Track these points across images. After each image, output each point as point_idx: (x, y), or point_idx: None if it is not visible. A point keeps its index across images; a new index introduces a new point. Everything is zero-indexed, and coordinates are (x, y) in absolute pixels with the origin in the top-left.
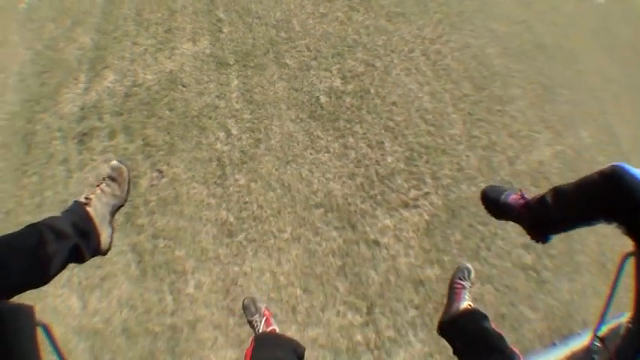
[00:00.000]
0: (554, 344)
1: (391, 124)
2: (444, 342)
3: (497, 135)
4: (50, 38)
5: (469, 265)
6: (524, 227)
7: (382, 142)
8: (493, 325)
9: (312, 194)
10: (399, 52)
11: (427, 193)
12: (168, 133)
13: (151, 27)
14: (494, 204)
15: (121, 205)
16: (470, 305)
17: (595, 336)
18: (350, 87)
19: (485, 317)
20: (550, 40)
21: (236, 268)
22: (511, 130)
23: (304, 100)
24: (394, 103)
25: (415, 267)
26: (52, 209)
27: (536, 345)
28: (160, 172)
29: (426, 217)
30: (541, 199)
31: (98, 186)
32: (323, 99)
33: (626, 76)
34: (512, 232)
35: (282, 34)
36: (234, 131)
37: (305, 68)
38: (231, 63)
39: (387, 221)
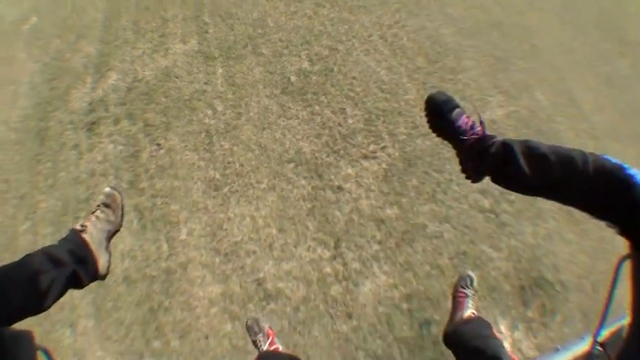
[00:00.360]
0: (556, 349)
1: (352, 94)
2: (408, 274)
3: None
4: (57, 51)
5: (471, 273)
6: (461, 157)
7: (344, 109)
8: (495, 333)
9: (284, 152)
10: (359, 38)
11: (384, 147)
12: (165, 114)
13: (147, 34)
14: (441, 117)
15: (117, 230)
16: (473, 313)
17: (595, 341)
18: (316, 67)
19: (487, 325)
20: (507, 19)
21: (221, 215)
22: (464, 94)
23: (277, 80)
24: (354, 78)
25: (376, 208)
26: (64, 187)
27: (503, 284)
28: (159, 145)
29: (384, 167)
30: (508, 147)
31: (93, 213)
32: (293, 78)
33: (587, 49)
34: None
35: (259, 30)
36: (220, 108)
37: (278, 55)
38: (216, 56)
39: (349, 170)
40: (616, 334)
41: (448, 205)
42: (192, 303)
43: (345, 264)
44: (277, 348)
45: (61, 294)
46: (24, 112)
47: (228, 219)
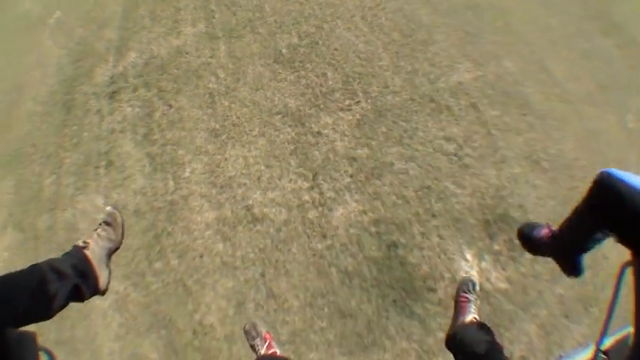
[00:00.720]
0: (559, 357)
1: (333, 62)
2: (376, 202)
3: (420, 64)
4: (81, 38)
5: (474, 278)
6: (558, 263)
7: (325, 73)
8: (497, 339)
9: (273, 107)
10: (342, 18)
11: (358, 102)
12: (176, 82)
13: (162, 20)
14: (527, 240)
15: (117, 248)
16: (475, 318)
17: (598, 349)
18: (304, 42)
19: (487, 330)
20: (484, 1)
21: (219, 157)
22: (433, 61)
23: (271, 52)
24: (336, 49)
25: (349, 148)
26: (87, 144)
27: (468, 217)
28: (170, 105)
29: (358, 117)
30: (558, 231)
31: (95, 231)
32: (284, 51)
33: (567, 27)
34: (433, 128)
35: (257, 14)
36: (222, 75)
37: (272, 34)
38: (220, 36)
39: (328, 119)
40: (621, 342)
41: (414, 148)
42: (190, 227)
43: (321, 193)
44: (275, 352)
45: (63, 306)
46: (51, 89)
47: (225, 159)
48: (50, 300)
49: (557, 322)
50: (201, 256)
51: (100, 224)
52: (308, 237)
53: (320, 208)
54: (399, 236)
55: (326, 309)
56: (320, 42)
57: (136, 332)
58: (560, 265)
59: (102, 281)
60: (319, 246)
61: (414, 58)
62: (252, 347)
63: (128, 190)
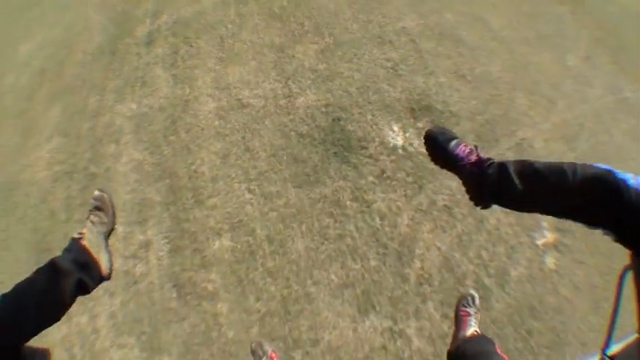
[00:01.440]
0: None
1: (310, 16)
2: (327, 95)
3: (375, 16)
4: (122, 8)
5: (473, 292)
6: (466, 185)
7: (303, 22)
8: (498, 350)
9: (263, 43)
10: None
11: (324, 38)
12: (196, 32)
13: None
14: (440, 150)
15: (112, 229)
16: (476, 331)
17: (604, 355)
18: (291, 4)
19: (490, 342)
20: None
21: (222, 72)
22: (385, 14)
23: (266, 11)
24: (313, 8)
25: (313, 64)
26: (127, 73)
27: (396, 104)
28: (191, 46)
29: (322, 47)
30: (503, 168)
31: (87, 219)
32: (276, 10)
33: None
34: (376, 53)
35: None
36: (230, 26)
37: (270, 1)
38: (231, 3)
39: (300, 48)
40: (631, 348)
41: (360, 64)
42: (197, 114)
43: (290, 89)
44: None
45: (71, 304)
46: (98, 45)
47: (227, 73)
48: (58, 304)
49: None
50: (202, 129)
51: (91, 211)
52: (277, 114)
53: (288, 98)
54: (342, 113)
55: (284, 157)
56: (302, 4)
57: (147, 183)
58: (472, 195)
59: (104, 267)
60: (284, 119)
61: (371, 13)
62: None
63: (156, 97)
